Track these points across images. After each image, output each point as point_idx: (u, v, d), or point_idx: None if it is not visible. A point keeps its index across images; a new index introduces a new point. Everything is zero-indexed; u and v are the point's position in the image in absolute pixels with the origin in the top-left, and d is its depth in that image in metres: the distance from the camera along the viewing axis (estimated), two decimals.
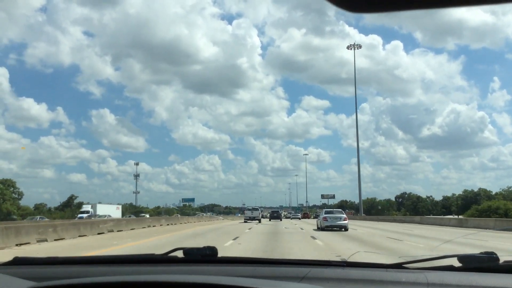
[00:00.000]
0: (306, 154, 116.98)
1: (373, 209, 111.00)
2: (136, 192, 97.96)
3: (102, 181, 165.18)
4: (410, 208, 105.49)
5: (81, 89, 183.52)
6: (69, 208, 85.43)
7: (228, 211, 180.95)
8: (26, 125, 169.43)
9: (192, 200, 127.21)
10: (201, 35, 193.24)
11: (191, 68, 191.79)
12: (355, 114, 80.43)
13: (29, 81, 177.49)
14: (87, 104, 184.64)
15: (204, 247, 1.64)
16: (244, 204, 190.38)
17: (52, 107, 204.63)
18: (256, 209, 47.20)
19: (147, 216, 64.97)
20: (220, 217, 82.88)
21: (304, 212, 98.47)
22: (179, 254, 1.64)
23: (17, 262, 1.58)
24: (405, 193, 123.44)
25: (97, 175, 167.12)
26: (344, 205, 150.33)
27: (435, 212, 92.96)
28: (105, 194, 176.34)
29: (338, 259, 8.39)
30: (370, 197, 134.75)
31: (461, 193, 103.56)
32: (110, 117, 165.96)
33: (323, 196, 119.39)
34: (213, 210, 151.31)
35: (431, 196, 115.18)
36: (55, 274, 1.49)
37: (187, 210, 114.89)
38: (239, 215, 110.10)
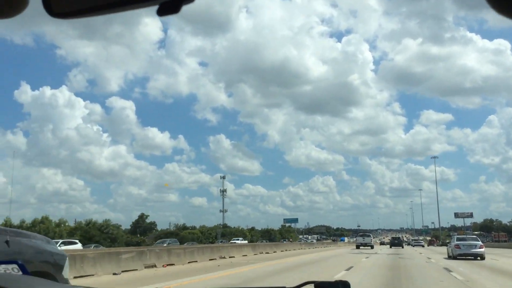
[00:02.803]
0: (435, 157, 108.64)
1: None
2: (224, 211, 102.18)
3: (220, 204, 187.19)
4: None
5: (198, 117, 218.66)
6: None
7: (339, 234, 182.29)
8: (152, 153, 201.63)
9: (295, 220, 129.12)
10: (310, 55, 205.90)
11: (301, 89, 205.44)
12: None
13: (152, 112, 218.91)
14: (204, 131, 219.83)
15: (336, 281, 1.72)
16: (359, 226, 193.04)
17: (174, 135, 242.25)
18: (368, 235, 50.60)
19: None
20: (313, 242, 73.46)
21: (431, 238, 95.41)
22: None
23: None
24: None
25: (217, 198, 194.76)
26: (490, 226, 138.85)
27: None
28: (224, 216, 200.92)
29: None
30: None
31: None
32: (226, 142, 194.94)
33: (457, 215, 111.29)
34: (314, 231, 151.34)
35: None
36: None
37: (274, 233, 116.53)
38: (345, 240, 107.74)
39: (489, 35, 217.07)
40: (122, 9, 0.96)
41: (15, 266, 1.99)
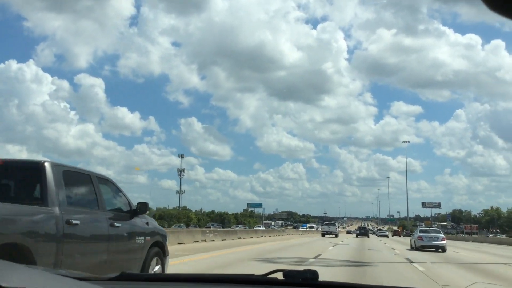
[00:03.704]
0: (406, 142, 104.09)
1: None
2: (180, 192, 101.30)
3: (191, 187, 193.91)
4: None
5: (170, 99, 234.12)
6: None
7: (305, 220, 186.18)
8: (121, 133, 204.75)
9: (259, 205, 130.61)
10: (285, 40, 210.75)
11: (275, 75, 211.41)
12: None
13: (122, 91, 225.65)
14: (176, 113, 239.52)
15: (304, 270, 1.78)
16: (326, 213, 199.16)
17: (144, 116, 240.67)
18: (333, 224, 56.26)
19: None
20: (276, 228, 68.99)
21: (395, 229, 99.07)
22: (279, 276, 1.80)
23: (124, 277, 1.84)
24: None
25: (186, 181, 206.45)
26: (458, 217, 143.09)
27: None
28: (193, 200, 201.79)
29: None
30: (485, 207, 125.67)
31: None
32: (197, 125, 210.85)
33: (424, 205, 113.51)
34: (275, 217, 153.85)
35: None
36: None
37: (227, 218, 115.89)
38: (305, 227, 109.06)
39: (462, 29, 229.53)
40: None
41: None
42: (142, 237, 6.61)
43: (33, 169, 4.95)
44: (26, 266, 1.39)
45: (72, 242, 4.90)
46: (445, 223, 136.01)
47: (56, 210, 4.74)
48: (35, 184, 4.98)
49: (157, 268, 6.93)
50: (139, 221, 6.71)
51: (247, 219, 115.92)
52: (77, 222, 4.99)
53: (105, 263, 5.52)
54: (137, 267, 6.34)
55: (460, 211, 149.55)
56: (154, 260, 6.90)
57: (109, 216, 5.92)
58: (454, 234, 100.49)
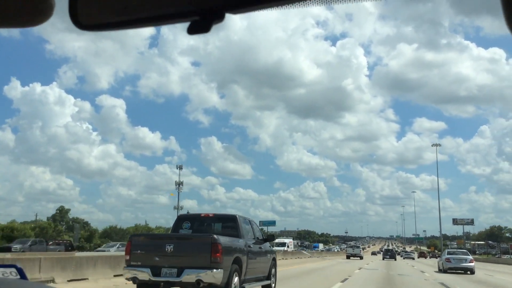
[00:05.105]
0: (437, 145, 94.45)
1: None
2: (178, 208, 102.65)
3: (212, 207, 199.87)
4: None
5: (190, 118, 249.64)
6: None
7: (323, 240, 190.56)
8: (142, 153, 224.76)
9: (273, 223, 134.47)
10: (304, 58, 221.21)
11: (295, 92, 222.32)
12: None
13: (143, 111, 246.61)
14: (196, 132, 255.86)
15: None
16: (347, 233, 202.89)
17: (165, 135, 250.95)
18: (358, 246, 63.34)
19: None
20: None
21: (421, 251, 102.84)
22: None
23: None
24: None
25: (207, 201, 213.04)
26: (498, 234, 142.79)
27: None
28: None
29: None
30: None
31: None
32: (217, 145, 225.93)
33: (455, 222, 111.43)
34: (285, 236, 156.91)
35: None
36: None
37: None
38: (319, 247, 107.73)
39: (485, 43, 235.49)
40: (151, 25, 1.03)
41: (13, 270, 2.18)
42: (269, 254, 12.01)
43: (231, 218, 10.26)
44: (36, 283, 2.13)
45: (250, 256, 10.02)
46: (482, 242, 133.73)
47: (244, 239, 9.90)
48: (232, 226, 10.17)
49: (273, 273, 12.19)
50: (268, 245, 12.20)
51: None
52: (251, 245, 10.19)
53: (258, 267, 10.69)
54: (267, 271, 11.58)
55: (500, 228, 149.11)
56: (273, 269, 12.03)
57: (256, 242, 11.05)
58: (496, 255, 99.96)
